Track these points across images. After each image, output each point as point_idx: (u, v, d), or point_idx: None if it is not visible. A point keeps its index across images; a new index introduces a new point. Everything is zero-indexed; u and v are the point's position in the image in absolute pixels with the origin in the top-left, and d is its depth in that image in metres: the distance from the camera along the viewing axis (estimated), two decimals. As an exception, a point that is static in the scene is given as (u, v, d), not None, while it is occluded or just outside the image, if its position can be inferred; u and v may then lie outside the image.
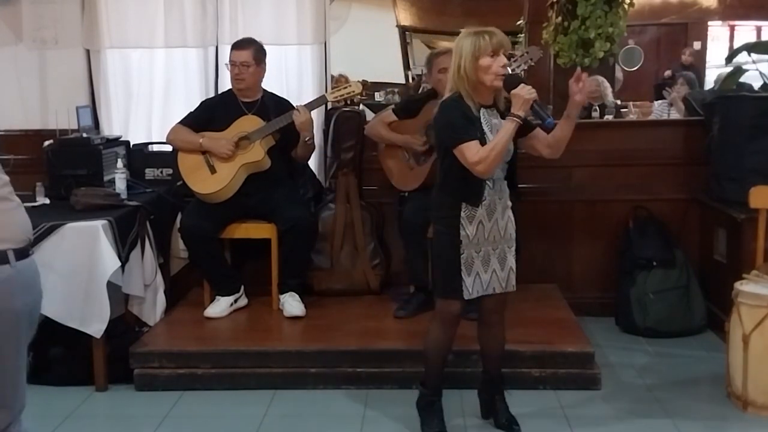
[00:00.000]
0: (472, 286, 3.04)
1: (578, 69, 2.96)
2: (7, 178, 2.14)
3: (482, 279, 3.06)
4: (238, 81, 4.18)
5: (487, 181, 3.01)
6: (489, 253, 3.06)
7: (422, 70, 7.62)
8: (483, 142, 2.92)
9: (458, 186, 3.00)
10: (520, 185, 4.52)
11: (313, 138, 4.23)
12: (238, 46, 4.20)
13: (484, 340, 3.27)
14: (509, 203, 3.12)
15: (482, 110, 3.00)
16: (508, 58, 3.87)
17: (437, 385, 3.24)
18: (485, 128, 2.96)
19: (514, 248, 3.14)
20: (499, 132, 2.93)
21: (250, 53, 4.17)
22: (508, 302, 3.23)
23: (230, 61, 4.18)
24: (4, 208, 2.09)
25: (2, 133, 4.71)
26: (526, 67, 4.08)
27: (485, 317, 3.21)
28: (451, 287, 3.04)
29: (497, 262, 3.08)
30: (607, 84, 6.49)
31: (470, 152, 2.90)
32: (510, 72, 2.97)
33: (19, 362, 2.15)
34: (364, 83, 4.29)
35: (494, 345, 3.26)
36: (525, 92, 2.89)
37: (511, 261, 3.13)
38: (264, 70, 4.25)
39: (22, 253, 2.10)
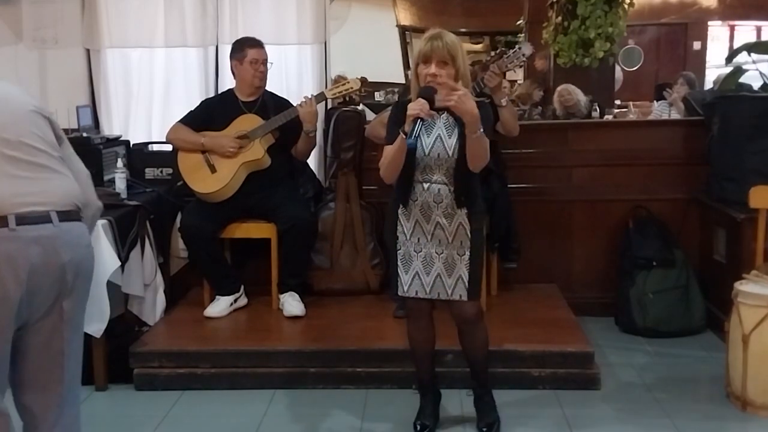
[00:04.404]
0: (408, 285, 3.04)
1: None
2: (53, 152, 2.39)
3: (423, 281, 3.02)
4: (261, 79, 4.19)
5: (421, 183, 2.96)
6: (432, 255, 3.01)
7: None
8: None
9: (396, 184, 3.02)
10: (522, 185, 4.53)
11: (315, 132, 4.23)
12: (257, 44, 4.20)
13: (462, 345, 3.23)
14: (459, 211, 2.96)
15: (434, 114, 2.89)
16: (500, 56, 3.90)
17: (422, 383, 3.28)
18: (420, 132, 2.83)
19: (467, 257, 2.98)
20: None
21: (266, 51, 4.21)
22: (475, 311, 3.08)
23: (252, 59, 4.15)
24: (45, 177, 2.34)
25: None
26: (519, 64, 4.07)
27: (457, 326, 3.16)
28: (393, 281, 3.09)
29: (443, 267, 3.01)
30: (578, 91, 6.22)
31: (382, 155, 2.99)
32: (433, 83, 2.82)
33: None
34: (363, 80, 4.28)
35: (470, 350, 3.20)
36: (409, 107, 2.80)
37: (462, 270, 2.99)
38: None
39: (67, 216, 2.34)
